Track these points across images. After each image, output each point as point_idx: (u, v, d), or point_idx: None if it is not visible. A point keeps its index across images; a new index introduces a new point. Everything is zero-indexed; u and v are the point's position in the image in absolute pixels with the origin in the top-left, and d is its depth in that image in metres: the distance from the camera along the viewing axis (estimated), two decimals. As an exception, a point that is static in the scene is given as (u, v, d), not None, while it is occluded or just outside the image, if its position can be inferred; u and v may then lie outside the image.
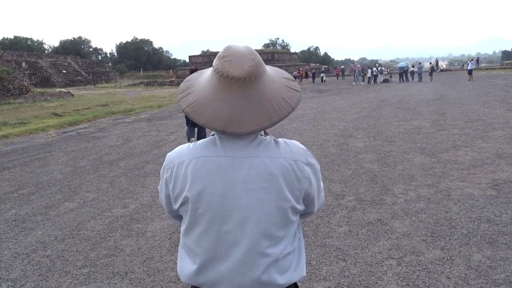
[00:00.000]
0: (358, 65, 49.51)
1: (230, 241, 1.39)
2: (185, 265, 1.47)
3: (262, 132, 1.46)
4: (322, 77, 45.02)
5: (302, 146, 1.45)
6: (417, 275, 3.47)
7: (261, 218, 1.37)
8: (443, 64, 71.93)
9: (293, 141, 1.45)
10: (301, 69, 46.65)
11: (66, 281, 3.73)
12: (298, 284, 1.63)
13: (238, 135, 1.36)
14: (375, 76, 36.14)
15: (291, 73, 49.90)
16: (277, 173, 1.36)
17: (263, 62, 1.37)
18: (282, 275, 1.42)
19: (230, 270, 1.40)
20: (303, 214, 1.55)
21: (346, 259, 3.85)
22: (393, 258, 3.80)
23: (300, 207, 1.44)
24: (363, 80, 36.88)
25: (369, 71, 36.77)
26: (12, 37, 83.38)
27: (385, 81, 36.42)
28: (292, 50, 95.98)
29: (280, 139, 1.44)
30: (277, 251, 1.40)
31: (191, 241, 1.44)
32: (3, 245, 4.63)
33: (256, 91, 1.34)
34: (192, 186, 1.37)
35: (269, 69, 1.46)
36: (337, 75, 49.83)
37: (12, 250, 4.47)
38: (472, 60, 35.54)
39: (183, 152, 1.42)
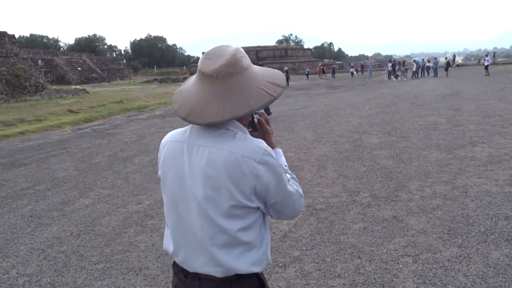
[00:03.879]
0: (371, 61, 49.04)
1: (183, 223, 1.51)
2: (165, 239, 1.65)
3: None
4: (352, 72, 45.05)
5: (261, 145, 1.45)
6: (433, 273, 3.42)
7: (206, 206, 1.44)
8: (459, 59, 70.89)
9: (257, 139, 1.47)
10: (321, 64, 47.04)
11: (81, 277, 3.76)
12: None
13: (197, 124, 1.46)
14: (390, 72, 35.54)
15: (304, 69, 50.04)
16: (222, 164, 1.41)
17: (244, 64, 1.43)
18: (227, 261, 1.47)
19: (187, 251, 1.53)
20: (276, 215, 1.57)
21: (361, 256, 3.81)
22: (409, 256, 3.75)
23: (252, 204, 1.45)
24: (397, 76, 34.41)
25: (414, 65, 34.71)
26: (28, 35, 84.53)
27: (396, 77, 35.62)
28: (305, 46, 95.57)
29: (245, 135, 1.47)
30: (223, 239, 1.46)
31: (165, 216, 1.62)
32: (20, 240, 4.68)
33: (221, 88, 1.41)
34: (162, 167, 1.56)
35: (258, 70, 1.51)
36: (356, 71, 49.64)
37: (28, 246, 4.52)
38: (488, 55, 34.93)
39: (169, 135, 1.60)
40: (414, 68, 34.29)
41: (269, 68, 1.56)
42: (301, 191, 1.58)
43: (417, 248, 3.88)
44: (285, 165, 1.62)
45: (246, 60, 1.46)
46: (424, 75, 35.56)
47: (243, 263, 1.49)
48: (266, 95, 1.43)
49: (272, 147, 1.62)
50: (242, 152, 1.41)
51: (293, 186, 1.54)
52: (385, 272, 3.49)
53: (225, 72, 1.39)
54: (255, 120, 1.65)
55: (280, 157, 1.63)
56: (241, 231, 1.46)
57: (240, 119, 1.51)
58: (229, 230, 1.45)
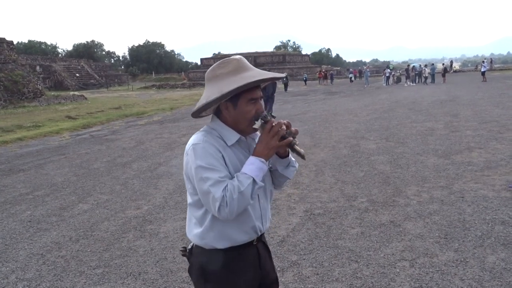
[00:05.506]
0: (368, 66, 49.40)
1: None
2: None
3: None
4: (351, 78, 45.56)
5: (195, 140, 1.75)
6: (430, 277, 3.45)
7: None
8: (456, 65, 71.14)
9: (204, 136, 1.76)
10: (322, 71, 47.50)
11: (81, 281, 3.78)
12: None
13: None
14: (388, 78, 35.64)
15: (301, 75, 50.30)
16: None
17: (215, 73, 1.78)
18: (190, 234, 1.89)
19: None
20: None
21: (359, 260, 3.84)
22: (406, 260, 3.78)
23: (189, 184, 1.80)
24: (414, 81, 34.74)
25: (426, 70, 34.77)
26: (26, 41, 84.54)
27: (398, 80, 35.64)
28: (303, 52, 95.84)
29: (202, 131, 1.80)
30: (187, 208, 1.90)
31: None
32: (19, 245, 4.70)
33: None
34: None
35: (232, 77, 1.74)
36: (355, 76, 49.87)
37: (27, 251, 4.53)
38: (485, 61, 35.09)
39: None
40: (426, 74, 34.19)
41: (253, 74, 1.76)
42: (218, 195, 1.64)
43: (414, 253, 3.91)
44: (245, 173, 1.69)
45: (221, 69, 1.76)
46: (422, 81, 35.65)
47: (190, 232, 1.88)
48: (202, 101, 1.76)
49: (256, 154, 1.74)
50: (188, 142, 1.80)
51: (211, 188, 1.66)
52: (382, 276, 3.52)
53: (206, 77, 1.82)
54: (255, 126, 1.79)
55: (249, 165, 1.72)
56: (191, 206, 1.85)
57: (220, 116, 1.83)
58: (188, 200, 1.87)
